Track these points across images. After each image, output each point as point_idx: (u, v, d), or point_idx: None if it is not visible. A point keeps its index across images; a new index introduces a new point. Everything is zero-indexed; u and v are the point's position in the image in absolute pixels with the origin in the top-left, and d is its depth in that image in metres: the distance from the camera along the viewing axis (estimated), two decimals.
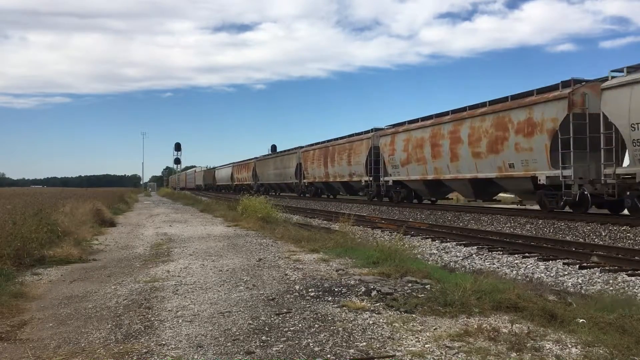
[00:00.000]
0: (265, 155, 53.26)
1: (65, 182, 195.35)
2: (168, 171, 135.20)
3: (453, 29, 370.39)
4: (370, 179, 28.53)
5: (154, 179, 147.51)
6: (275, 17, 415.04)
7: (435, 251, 12.58)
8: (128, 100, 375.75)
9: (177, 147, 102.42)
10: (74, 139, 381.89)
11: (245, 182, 57.74)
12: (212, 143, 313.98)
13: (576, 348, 4.35)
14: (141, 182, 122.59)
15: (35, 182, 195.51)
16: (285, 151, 46.46)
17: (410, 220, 19.71)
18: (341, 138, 34.25)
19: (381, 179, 27.31)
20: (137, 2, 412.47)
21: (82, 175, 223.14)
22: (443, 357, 4.16)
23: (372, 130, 29.44)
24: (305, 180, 39.63)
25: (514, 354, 4.18)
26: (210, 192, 72.41)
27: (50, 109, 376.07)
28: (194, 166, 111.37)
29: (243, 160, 61.43)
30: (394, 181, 26.20)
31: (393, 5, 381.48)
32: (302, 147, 41.02)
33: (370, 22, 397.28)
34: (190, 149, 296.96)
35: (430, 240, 13.95)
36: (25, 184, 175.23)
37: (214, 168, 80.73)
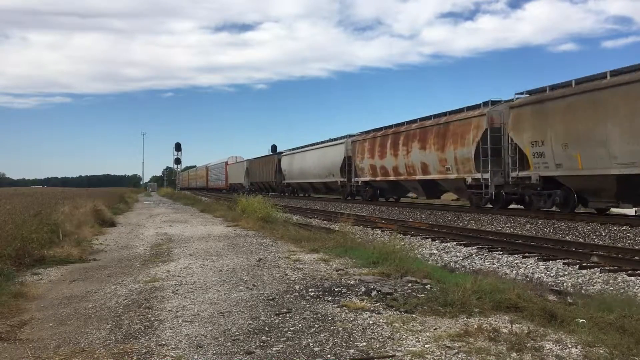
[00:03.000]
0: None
1: (65, 182, 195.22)
2: (169, 171, 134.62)
3: (455, 28, 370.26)
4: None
5: (154, 179, 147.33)
6: (277, 17, 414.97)
7: (435, 251, 12.58)
8: (128, 100, 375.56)
9: (178, 147, 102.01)
10: (74, 139, 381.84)
11: (401, 177, 25.37)
12: (213, 143, 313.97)
13: (576, 348, 4.35)
14: (141, 182, 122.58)
15: (35, 182, 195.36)
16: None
17: (410, 220, 19.73)
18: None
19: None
20: (138, 2, 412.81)
21: (82, 175, 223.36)
22: (443, 357, 4.16)
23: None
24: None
25: (514, 354, 4.18)
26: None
27: (50, 109, 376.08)
28: (194, 166, 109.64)
29: (379, 128, 28.63)
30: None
31: (395, 5, 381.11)
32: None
33: (372, 21, 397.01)
34: (191, 149, 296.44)
35: (430, 240, 13.95)
36: (25, 184, 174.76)
37: (278, 154, 46.45)
